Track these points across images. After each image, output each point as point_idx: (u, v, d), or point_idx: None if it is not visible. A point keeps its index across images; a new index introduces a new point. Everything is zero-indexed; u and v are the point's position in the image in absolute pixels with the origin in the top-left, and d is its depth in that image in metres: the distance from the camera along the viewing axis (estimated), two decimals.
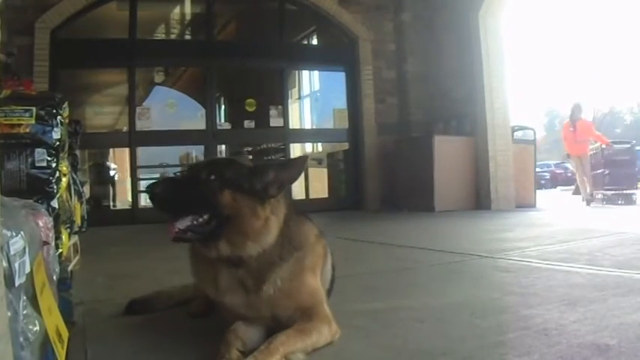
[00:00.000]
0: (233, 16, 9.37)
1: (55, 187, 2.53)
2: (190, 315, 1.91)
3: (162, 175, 9.52)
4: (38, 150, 2.50)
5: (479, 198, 7.12)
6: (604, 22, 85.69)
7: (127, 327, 1.84)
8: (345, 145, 8.45)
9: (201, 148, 8.19)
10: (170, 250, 2.23)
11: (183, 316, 1.91)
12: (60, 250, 2.41)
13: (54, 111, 2.60)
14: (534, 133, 8.38)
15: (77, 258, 3.16)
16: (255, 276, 1.45)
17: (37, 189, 2.46)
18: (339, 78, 8.50)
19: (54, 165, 2.55)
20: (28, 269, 1.11)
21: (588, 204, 8.08)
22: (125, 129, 8.32)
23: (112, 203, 10.08)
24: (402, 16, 8.16)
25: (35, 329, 1.08)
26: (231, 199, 1.41)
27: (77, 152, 3.67)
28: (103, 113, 11.31)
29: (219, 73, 8.09)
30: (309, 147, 10.32)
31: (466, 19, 7.27)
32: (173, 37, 10.02)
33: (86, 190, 5.48)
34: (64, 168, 2.76)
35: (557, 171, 23.23)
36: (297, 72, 10.20)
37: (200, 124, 7.71)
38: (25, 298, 1.07)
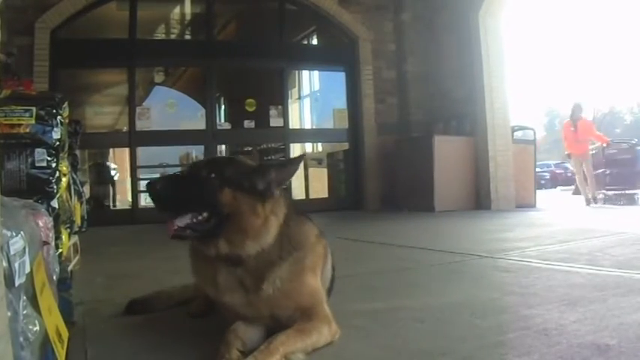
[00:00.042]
0: (233, 16, 9.38)
1: (55, 187, 2.53)
2: (190, 315, 1.91)
3: (162, 174, 9.51)
4: (38, 150, 2.50)
5: (479, 198, 7.12)
6: (604, 22, 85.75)
7: (127, 327, 1.84)
8: (345, 145, 8.45)
9: (201, 148, 8.19)
10: (170, 250, 2.23)
11: (183, 316, 1.91)
12: (60, 250, 2.41)
13: (54, 111, 2.60)
14: (534, 133, 8.37)
15: (77, 258, 3.16)
16: (255, 275, 1.45)
17: (37, 189, 2.46)
18: (339, 78, 8.50)
19: (54, 165, 2.56)
20: (28, 269, 1.11)
21: (588, 204, 8.03)
22: (125, 129, 8.33)
23: (112, 203, 10.09)
24: (402, 16, 8.16)
25: (35, 329, 1.08)
26: (231, 197, 1.41)
27: (77, 152, 3.67)
28: (103, 113, 11.32)
29: (219, 73, 8.09)
30: (309, 147, 10.32)
31: (466, 19, 7.27)
32: (173, 37, 10.02)
33: (86, 190, 5.48)
34: (64, 168, 2.76)
35: (557, 171, 23.23)
36: (297, 72, 10.20)
37: (200, 124, 7.71)
38: (25, 298, 1.07)
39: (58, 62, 6.59)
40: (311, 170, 9.55)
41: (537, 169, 9.24)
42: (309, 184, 9.25)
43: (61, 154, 2.66)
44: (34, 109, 2.52)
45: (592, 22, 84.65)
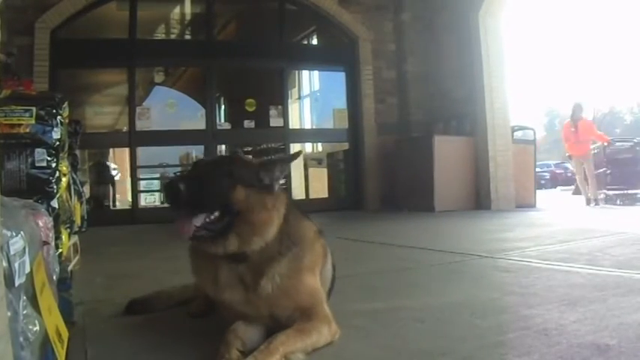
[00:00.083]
0: (233, 16, 9.38)
1: (55, 187, 2.54)
2: (190, 315, 1.91)
3: (162, 175, 9.55)
4: (38, 150, 2.50)
5: (479, 198, 7.12)
6: (604, 22, 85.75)
7: (127, 327, 1.84)
8: (345, 145, 8.44)
9: (201, 148, 8.20)
10: (170, 250, 2.24)
11: (183, 316, 1.91)
12: (60, 250, 2.41)
13: (54, 111, 2.60)
14: (534, 133, 8.35)
15: (77, 258, 3.17)
16: (255, 271, 1.46)
17: (37, 189, 2.46)
18: (339, 78, 8.50)
19: (54, 165, 2.56)
20: (28, 269, 1.11)
21: (588, 204, 7.99)
22: (125, 129, 8.33)
23: (112, 203, 10.11)
24: (402, 16, 8.16)
25: (35, 329, 1.08)
26: (244, 195, 1.44)
27: (77, 152, 3.67)
28: (103, 113, 11.33)
29: (219, 73, 8.09)
30: (309, 147, 10.33)
31: (466, 20, 7.27)
32: (173, 37, 10.03)
33: (86, 190, 5.48)
34: (64, 168, 2.76)
35: (557, 171, 23.23)
36: (297, 72, 10.20)
37: (200, 124, 7.71)
38: (25, 298, 1.07)
39: (58, 62, 6.59)
40: (311, 170, 9.57)
41: (537, 169, 9.21)
42: (309, 184, 9.26)
43: (61, 154, 2.66)
44: (34, 109, 2.52)
45: (592, 21, 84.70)
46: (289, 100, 8.86)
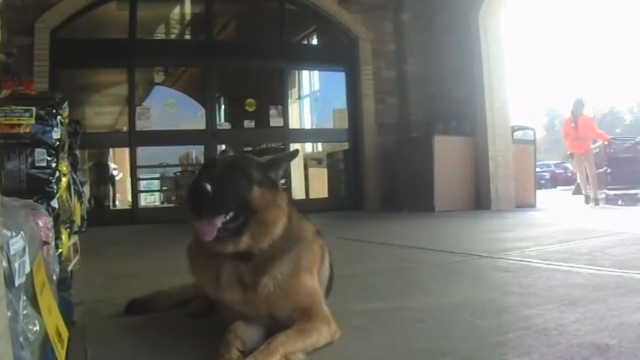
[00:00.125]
0: (233, 16, 9.38)
1: (55, 187, 2.54)
2: (190, 315, 1.91)
3: (162, 175, 9.54)
4: (38, 150, 2.50)
5: (479, 198, 7.12)
6: (604, 22, 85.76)
7: (127, 327, 1.84)
8: (345, 145, 8.45)
9: (201, 148, 8.21)
10: (170, 250, 2.24)
11: (183, 316, 1.91)
12: (60, 250, 2.41)
13: (54, 111, 2.60)
14: (534, 133, 8.34)
15: (77, 258, 3.16)
16: (256, 270, 1.46)
17: (37, 189, 2.46)
18: (339, 78, 8.50)
19: (54, 165, 2.56)
20: (28, 269, 1.11)
21: (587, 202, 7.95)
22: (125, 129, 8.34)
23: (112, 203, 10.11)
24: (402, 16, 8.16)
25: (35, 329, 1.08)
26: (260, 194, 1.46)
27: (77, 152, 3.67)
28: (103, 113, 11.33)
29: (219, 73, 8.09)
30: (309, 147, 10.32)
31: (466, 20, 7.27)
32: (173, 37, 10.03)
33: (86, 190, 5.48)
34: (64, 168, 2.76)
35: (557, 171, 23.24)
36: (297, 72, 10.21)
37: (200, 124, 7.72)
38: (25, 298, 1.07)
39: (58, 62, 6.60)
40: (311, 170, 9.57)
41: (537, 169, 9.19)
42: (309, 184, 9.26)
43: (61, 154, 2.66)
44: (34, 109, 2.52)
45: (592, 21, 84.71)
46: (289, 100, 8.86)
